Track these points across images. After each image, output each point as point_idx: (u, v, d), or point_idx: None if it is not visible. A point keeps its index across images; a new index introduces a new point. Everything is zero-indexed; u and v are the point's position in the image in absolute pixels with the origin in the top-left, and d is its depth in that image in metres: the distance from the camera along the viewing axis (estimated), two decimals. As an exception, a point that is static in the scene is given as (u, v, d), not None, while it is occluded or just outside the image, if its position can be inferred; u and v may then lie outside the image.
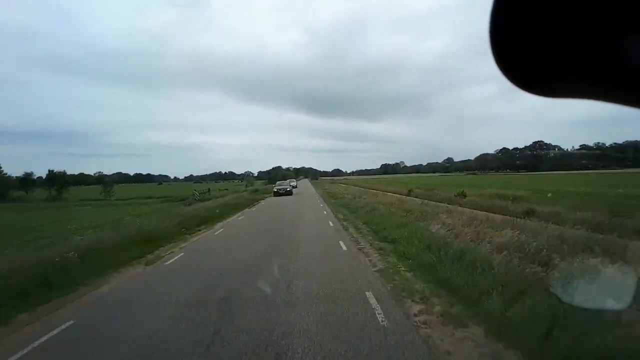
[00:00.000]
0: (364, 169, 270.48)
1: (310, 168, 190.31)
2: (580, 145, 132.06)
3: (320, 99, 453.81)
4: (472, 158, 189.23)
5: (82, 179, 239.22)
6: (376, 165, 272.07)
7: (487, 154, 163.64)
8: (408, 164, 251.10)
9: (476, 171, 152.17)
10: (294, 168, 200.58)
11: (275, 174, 75.68)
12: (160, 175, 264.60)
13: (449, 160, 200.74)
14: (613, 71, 0.37)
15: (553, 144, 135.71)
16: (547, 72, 0.42)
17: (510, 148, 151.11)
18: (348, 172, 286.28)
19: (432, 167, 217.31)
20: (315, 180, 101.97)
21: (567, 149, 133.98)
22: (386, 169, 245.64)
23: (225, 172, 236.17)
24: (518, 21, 0.39)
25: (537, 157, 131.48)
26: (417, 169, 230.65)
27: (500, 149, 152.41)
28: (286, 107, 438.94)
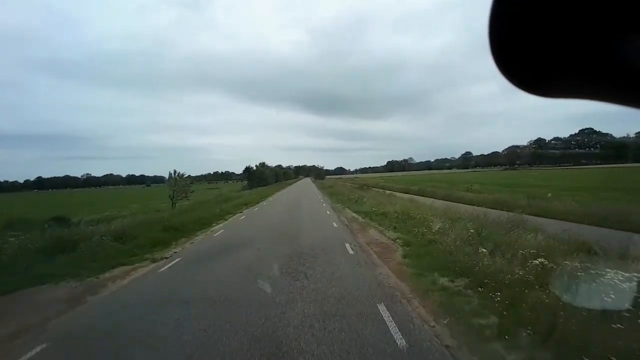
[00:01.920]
0: (368, 166, 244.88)
1: (313, 166, 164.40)
2: (636, 133, 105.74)
3: (322, 98, 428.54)
4: (494, 152, 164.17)
5: (68, 182, 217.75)
6: (381, 162, 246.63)
7: (517, 146, 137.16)
8: (417, 160, 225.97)
9: (507, 165, 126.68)
10: (294, 166, 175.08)
11: (261, 172, 47.84)
12: (155, 176, 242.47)
13: (468, 154, 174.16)
14: (613, 71, 0.36)
15: (603, 132, 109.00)
16: (546, 72, 0.41)
17: (549, 139, 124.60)
18: (351, 170, 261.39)
19: (447, 163, 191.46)
20: (322, 181, 71.52)
21: (621, 137, 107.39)
22: (393, 167, 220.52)
23: (222, 172, 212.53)
24: (517, 21, 0.38)
25: (584, 148, 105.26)
26: (428, 165, 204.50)
27: (535, 140, 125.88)
28: (288, 107, 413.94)
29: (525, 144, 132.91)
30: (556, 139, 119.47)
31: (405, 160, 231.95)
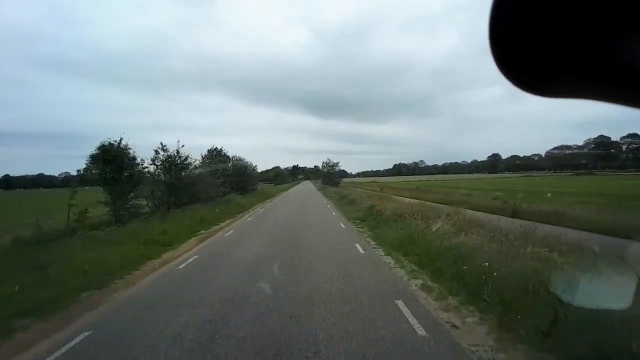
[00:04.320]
0: (370, 170, 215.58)
1: (316, 167, 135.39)
2: None
3: (325, 100, 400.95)
4: (513, 155, 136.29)
5: (41, 181, 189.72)
6: (386, 165, 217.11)
7: (568, 146, 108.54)
8: (428, 163, 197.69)
9: (553, 169, 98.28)
10: (291, 167, 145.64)
11: (180, 170, 15.03)
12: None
13: (495, 156, 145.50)
14: (613, 71, 0.36)
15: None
16: (547, 72, 0.40)
17: (621, 137, 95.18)
18: (353, 173, 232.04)
19: (468, 167, 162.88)
20: (337, 190, 33.38)
21: None
22: (400, 170, 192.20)
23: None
24: (518, 22, 0.37)
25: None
26: (443, 168, 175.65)
27: (595, 138, 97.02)
28: (291, 109, 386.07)
29: (580, 143, 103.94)
30: (632, 135, 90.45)
31: (415, 163, 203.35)
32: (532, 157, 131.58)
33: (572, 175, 72.83)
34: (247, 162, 28.79)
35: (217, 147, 25.39)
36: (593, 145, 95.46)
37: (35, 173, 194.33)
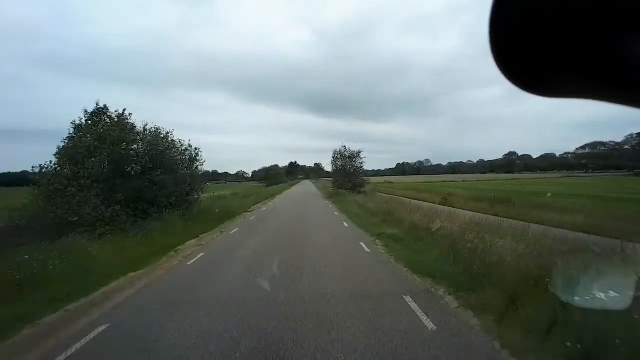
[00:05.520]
0: (371, 169, 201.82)
1: (317, 165, 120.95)
2: None
3: (325, 99, 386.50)
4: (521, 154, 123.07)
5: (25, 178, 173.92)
6: (388, 165, 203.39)
7: (602, 143, 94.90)
8: (433, 162, 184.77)
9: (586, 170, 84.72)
10: (288, 165, 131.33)
11: None
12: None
13: (512, 155, 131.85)
14: (613, 71, 0.35)
15: None
16: (547, 72, 0.39)
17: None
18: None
19: (475, 166, 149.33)
20: (374, 205, 16.01)
21: None
22: (404, 169, 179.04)
23: (211, 172, 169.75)
24: (518, 22, 0.37)
25: None
26: (452, 168, 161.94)
27: (638, 134, 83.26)
28: (291, 108, 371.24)
29: (619, 139, 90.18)
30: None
31: (420, 162, 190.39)
32: (551, 155, 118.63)
33: (629, 175, 59.04)
34: (178, 144, 13.14)
35: (105, 106, 11.23)
36: (637, 141, 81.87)
37: (19, 170, 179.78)
